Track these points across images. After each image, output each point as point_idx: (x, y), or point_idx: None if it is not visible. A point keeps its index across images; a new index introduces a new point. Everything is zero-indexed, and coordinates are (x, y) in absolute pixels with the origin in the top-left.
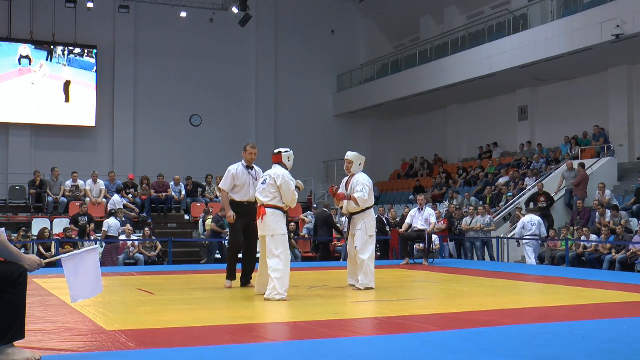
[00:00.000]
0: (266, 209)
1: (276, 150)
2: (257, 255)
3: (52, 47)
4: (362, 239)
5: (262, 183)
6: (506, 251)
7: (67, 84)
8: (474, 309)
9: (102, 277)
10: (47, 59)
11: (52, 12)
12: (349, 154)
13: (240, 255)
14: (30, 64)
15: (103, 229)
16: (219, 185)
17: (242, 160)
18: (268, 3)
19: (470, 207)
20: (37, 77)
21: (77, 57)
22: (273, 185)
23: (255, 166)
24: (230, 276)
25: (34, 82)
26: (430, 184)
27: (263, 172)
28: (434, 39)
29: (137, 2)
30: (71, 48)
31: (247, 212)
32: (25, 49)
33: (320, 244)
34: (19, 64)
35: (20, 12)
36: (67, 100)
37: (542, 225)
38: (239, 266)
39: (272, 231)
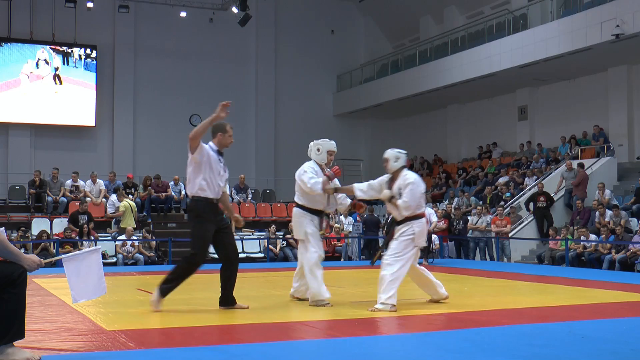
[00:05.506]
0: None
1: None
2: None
3: (69, 50)
4: None
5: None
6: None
7: (56, 70)
8: (474, 309)
9: None
10: (63, 63)
11: (52, 12)
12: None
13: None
14: (48, 66)
15: None
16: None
17: None
18: (268, 3)
19: (479, 207)
20: (38, 76)
21: (93, 62)
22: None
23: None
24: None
25: (35, 81)
26: (431, 184)
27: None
28: (434, 39)
29: (137, 2)
30: (88, 52)
31: None
32: (43, 53)
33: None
34: (37, 67)
35: (20, 12)
36: (60, 83)
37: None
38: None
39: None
